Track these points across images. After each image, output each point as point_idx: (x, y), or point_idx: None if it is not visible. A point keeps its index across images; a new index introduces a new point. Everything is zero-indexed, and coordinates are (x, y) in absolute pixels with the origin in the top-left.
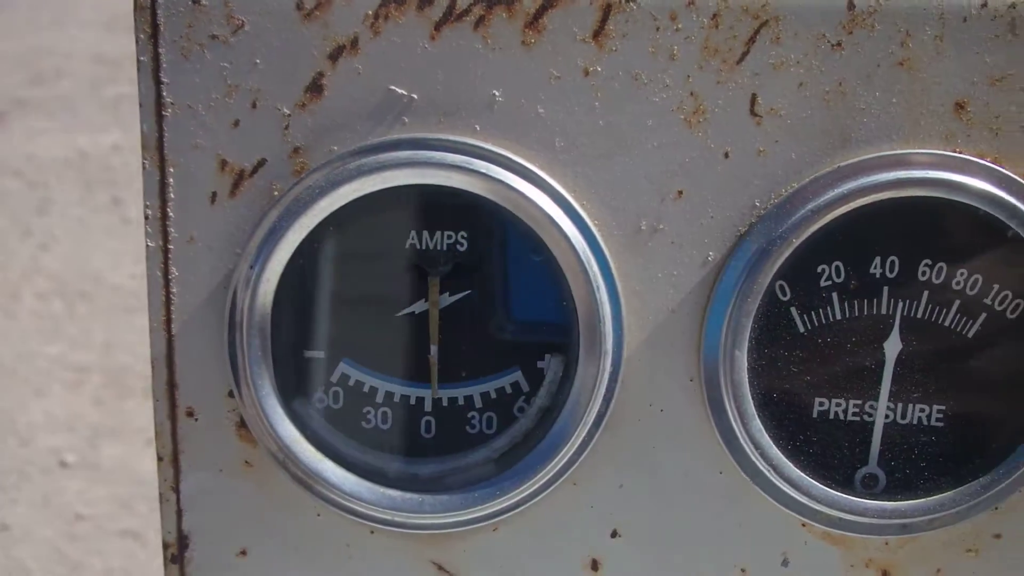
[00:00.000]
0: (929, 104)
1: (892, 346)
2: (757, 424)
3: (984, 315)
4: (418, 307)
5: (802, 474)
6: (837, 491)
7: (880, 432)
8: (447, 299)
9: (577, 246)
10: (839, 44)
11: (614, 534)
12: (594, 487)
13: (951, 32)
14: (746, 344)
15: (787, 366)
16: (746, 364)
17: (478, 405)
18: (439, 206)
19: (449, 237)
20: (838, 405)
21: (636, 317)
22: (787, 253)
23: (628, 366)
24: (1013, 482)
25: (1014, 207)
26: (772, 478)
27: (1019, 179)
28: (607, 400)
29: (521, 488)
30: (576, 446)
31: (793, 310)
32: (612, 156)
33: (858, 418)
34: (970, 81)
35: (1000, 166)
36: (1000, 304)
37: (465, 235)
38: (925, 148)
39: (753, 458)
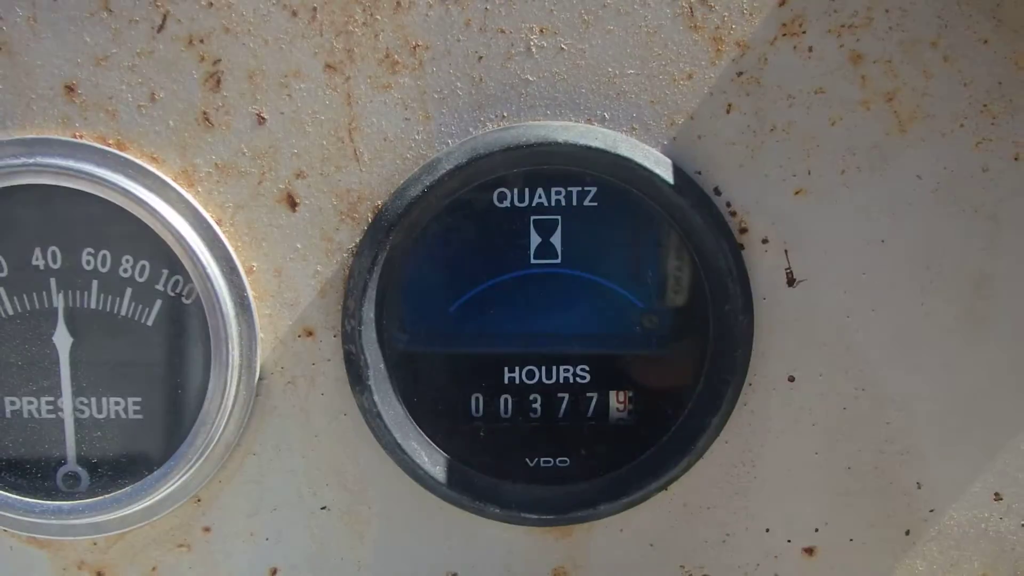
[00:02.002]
0: (37, 88)
1: (62, 339)
2: None
3: (160, 302)
4: None
5: None
6: (17, 495)
7: (72, 429)
8: None
9: None
10: None
11: None
12: None
13: (44, 14)
14: None
15: None
16: None
17: None
18: None
19: None
20: (30, 403)
21: None
22: None
23: None
24: (203, 471)
25: (135, 195)
26: None
27: (143, 163)
28: None
29: None
30: None
31: None
32: None
33: (53, 415)
34: (75, 62)
35: (124, 151)
36: (174, 289)
37: None
38: (45, 134)
39: None
